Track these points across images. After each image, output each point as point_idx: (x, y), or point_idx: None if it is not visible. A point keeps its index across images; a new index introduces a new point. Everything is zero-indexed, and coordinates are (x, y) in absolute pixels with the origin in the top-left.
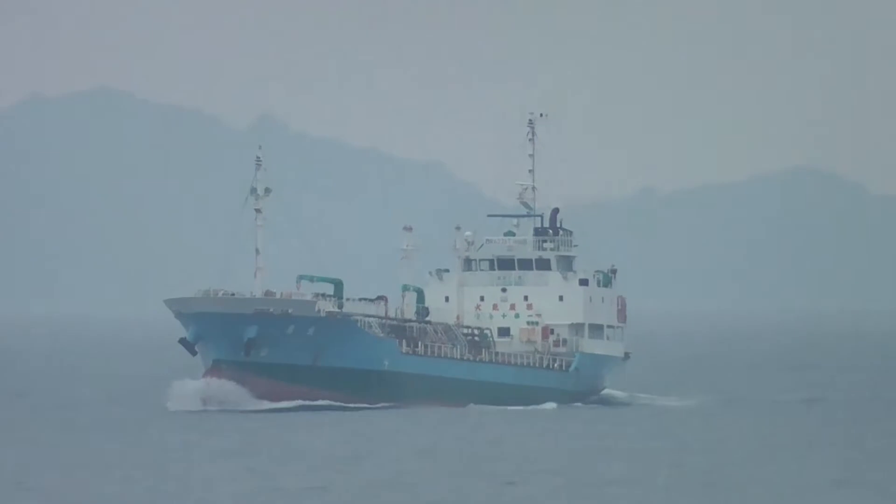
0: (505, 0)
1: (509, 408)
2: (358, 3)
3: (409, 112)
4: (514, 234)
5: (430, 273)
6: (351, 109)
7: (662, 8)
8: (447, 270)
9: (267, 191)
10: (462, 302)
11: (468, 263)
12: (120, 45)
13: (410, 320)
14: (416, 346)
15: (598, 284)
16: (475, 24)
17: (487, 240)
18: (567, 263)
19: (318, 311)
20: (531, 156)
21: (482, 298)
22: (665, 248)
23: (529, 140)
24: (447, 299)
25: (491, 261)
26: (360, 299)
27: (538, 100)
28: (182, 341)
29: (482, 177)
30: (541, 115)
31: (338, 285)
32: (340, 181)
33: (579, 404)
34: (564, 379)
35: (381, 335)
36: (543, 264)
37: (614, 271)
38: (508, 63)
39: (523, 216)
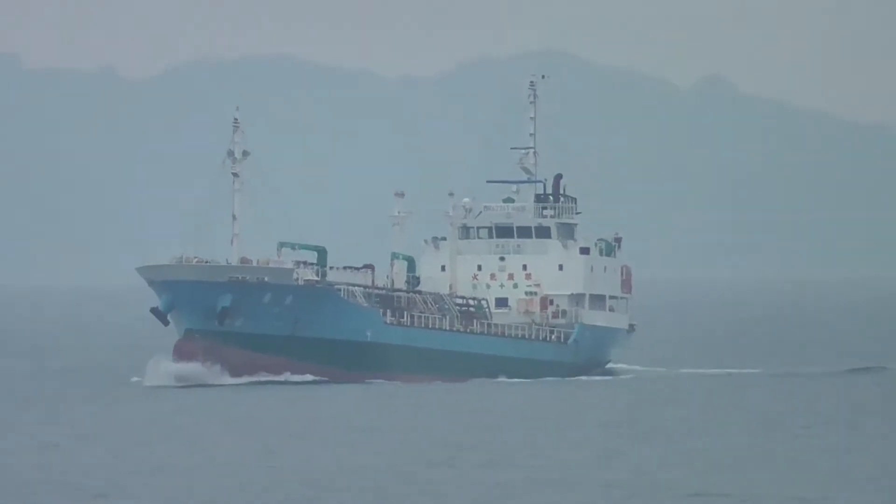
0: None
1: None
2: None
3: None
4: (513, 201)
5: (424, 241)
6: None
7: None
8: (444, 238)
9: (245, 154)
10: (457, 271)
11: (465, 231)
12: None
13: (398, 290)
14: (402, 317)
15: (601, 253)
16: None
17: (485, 206)
18: (568, 231)
19: (297, 279)
20: (532, 119)
21: (479, 267)
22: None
23: (531, 103)
24: (443, 268)
25: (489, 228)
26: (345, 268)
27: None
28: (154, 311)
29: None
30: (542, 76)
31: (321, 253)
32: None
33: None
34: (563, 351)
35: (365, 305)
36: (543, 232)
37: (619, 240)
38: None
39: (524, 182)
